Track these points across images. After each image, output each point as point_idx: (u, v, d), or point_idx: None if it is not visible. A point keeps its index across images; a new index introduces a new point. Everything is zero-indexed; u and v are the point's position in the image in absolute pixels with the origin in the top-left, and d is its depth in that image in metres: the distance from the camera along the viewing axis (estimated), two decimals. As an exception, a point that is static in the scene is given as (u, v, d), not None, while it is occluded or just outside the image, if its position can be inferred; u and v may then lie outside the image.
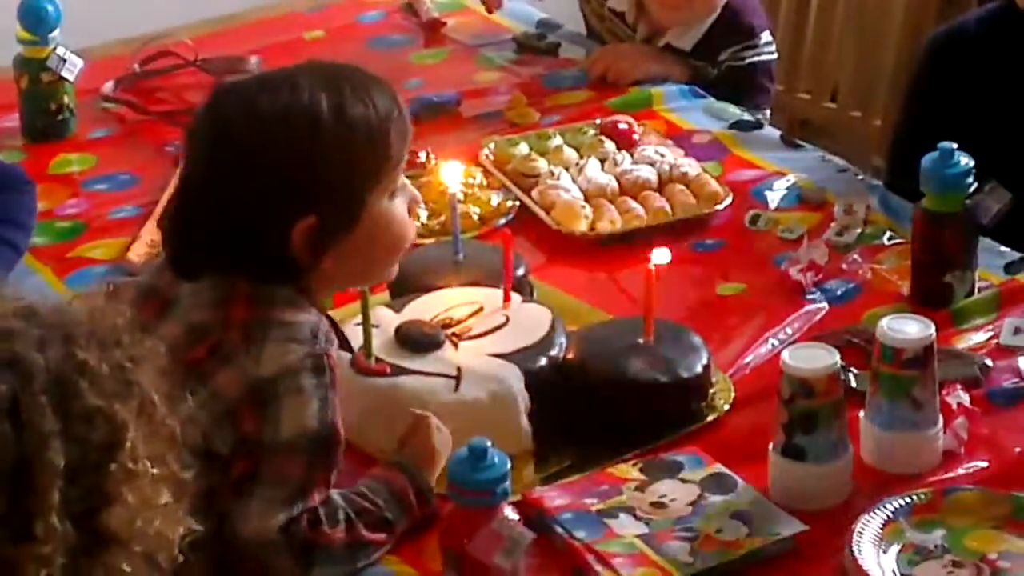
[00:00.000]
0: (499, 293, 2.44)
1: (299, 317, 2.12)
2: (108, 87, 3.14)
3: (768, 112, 3.31)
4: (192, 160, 2.20)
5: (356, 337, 2.34)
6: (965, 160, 2.53)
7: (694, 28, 3.24)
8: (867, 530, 2.13)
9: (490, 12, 3.29)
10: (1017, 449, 2.30)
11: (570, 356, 2.37)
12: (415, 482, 2.15)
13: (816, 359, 2.19)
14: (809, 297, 2.59)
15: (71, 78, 3.00)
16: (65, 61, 2.98)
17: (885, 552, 2.11)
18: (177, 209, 2.20)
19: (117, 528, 1.64)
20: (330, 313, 2.37)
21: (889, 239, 2.72)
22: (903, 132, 3.10)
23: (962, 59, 2.98)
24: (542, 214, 2.77)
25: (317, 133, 2.14)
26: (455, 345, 2.35)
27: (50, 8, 2.97)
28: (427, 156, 2.90)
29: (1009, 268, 2.65)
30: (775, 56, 3.32)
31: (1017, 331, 2.51)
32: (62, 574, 1.61)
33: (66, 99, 3.01)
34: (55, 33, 2.98)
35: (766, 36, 3.29)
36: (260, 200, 2.11)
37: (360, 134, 2.17)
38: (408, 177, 2.78)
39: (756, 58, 3.27)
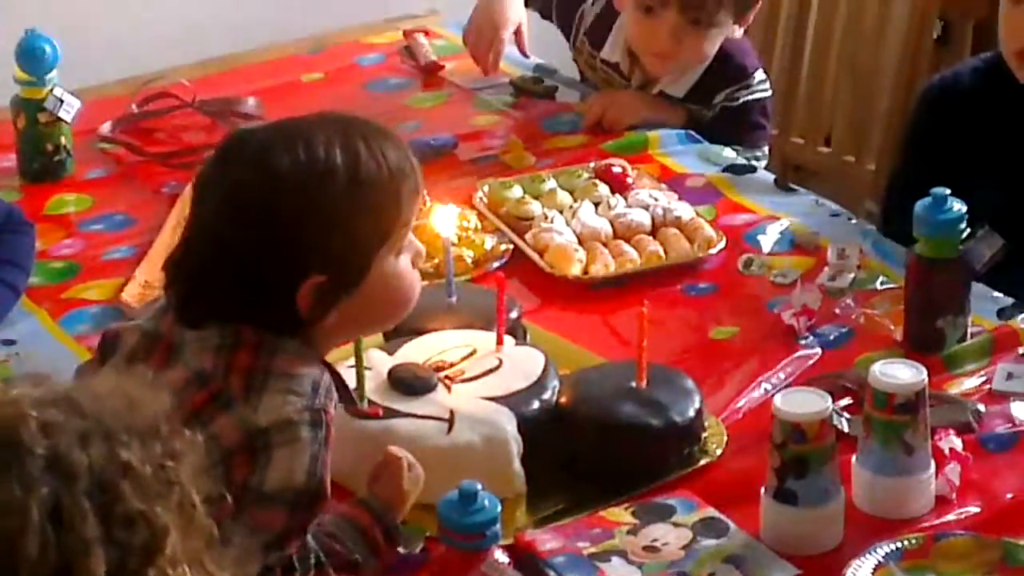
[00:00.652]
0: (492, 336, 2.44)
1: (301, 370, 2.10)
2: (106, 128, 3.13)
3: (767, 149, 3.31)
4: (202, 209, 2.17)
5: (349, 379, 2.31)
6: (958, 206, 2.53)
7: (687, 75, 3.25)
8: (858, 575, 2.12)
9: (485, 70, 3.29)
10: (1009, 495, 2.29)
11: (563, 399, 2.36)
12: (382, 522, 2.13)
13: (808, 404, 2.19)
14: (802, 342, 2.59)
15: (68, 119, 2.99)
16: (62, 102, 2.98)
17: (875, 598, 2.11)
18: (184, 256, 2.17)
19: None
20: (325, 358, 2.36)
21: (882, 284, 2.71)
22: (898, 178, 3.10)
23: (957, 109, 2.98)
24: (536, 257, 2.77)
25: (331, 193, 2.12)
26: (448, 388, 2.35)
27: (48, 49, 2.97)
28: (422, 199, 2.88)
29: (1002, 314, 2.65)
30: (770, 94, 3.32)
31: (1010, 376, 2.50)
32: None
33: (63, 140, 3.01)
34: (52, 74, 2.98)
35: (759, 75, 3.30)
36: (270, 256, 2.10)
37: (373, 194, 2.15)
38: (407, 216, 2.84)
39: (750, 96, 3.28)
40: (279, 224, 2.11)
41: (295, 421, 2.02)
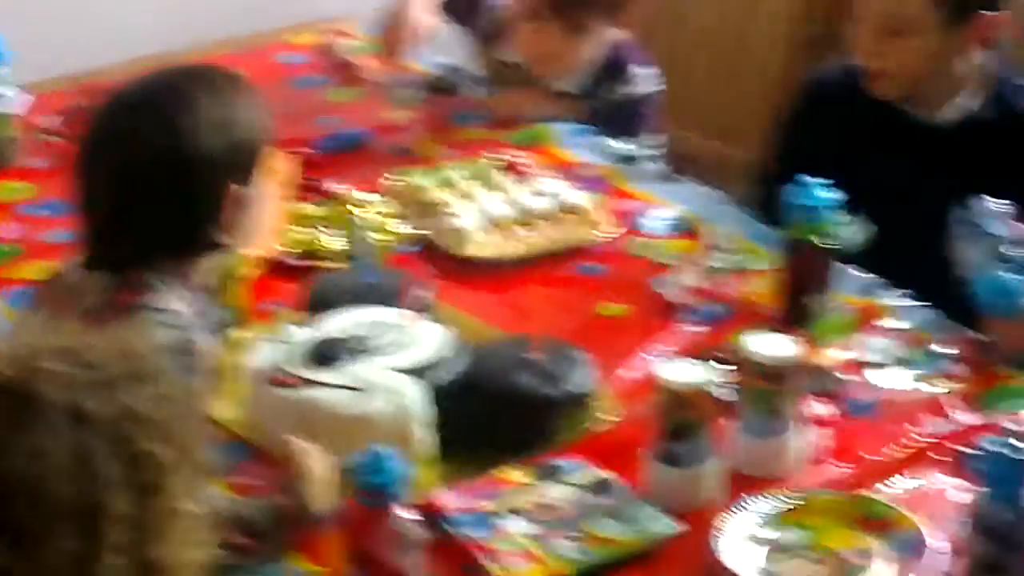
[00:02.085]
0: (402, 313, 2.43)
1: (174, 306, 2.17)
2: (48, 120, 3.11)
3: (657, 140, 3.31)
4: (106, 169, 2.28)
5: (272, 353, 2.34)
6: (824, 193, 2.55)
7: (577, 74, 3.27)
8: (732, 529, 2.13)
9: (392, 60, 3.28)
10: (870, 456, 2.31)
11: (466, 371, 2.36)
12: (295, 500, 2.12)
13: (689, 374, 2.21)
14: (684, 317, 2.59)
15: (13, 111, 2.99)
16: (8, 97, 2.98)
17: (749, 550, 2.11)
18: (94, 210, 2.28)
19: (161, 559, 1.66)
20: (243, 330, 2.48)
21: (757, 265, 2.72)
22: (769, 165, 3.10)
23: (828, 102, 3.00)
24: (442, 241, 2.78)
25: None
26: (362, 360, 2.33)
27: (-1, 50, 2.96)
28: (340, 187, 2.89)
29: (865, 292, 2.66)
30: (656, 89, 3.33)
31: (871, 349, 2.53)
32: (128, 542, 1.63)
33: (9, 131, 3.00)
34: (2, 72, 2.97)
35: (643, 72, 3.30)
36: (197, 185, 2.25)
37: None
38: (320, 206, 2.84)
39: (634, 91, 3.28)
40: (197, 155, 2.23)
41: (166, 349, 2.03)
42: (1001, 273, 2.47)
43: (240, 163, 2.30)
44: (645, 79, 3.29)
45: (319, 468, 2.14)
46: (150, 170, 2.24)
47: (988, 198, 2.56)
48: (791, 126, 3.09)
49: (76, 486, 1.59)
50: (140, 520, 1.62)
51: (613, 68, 3.27)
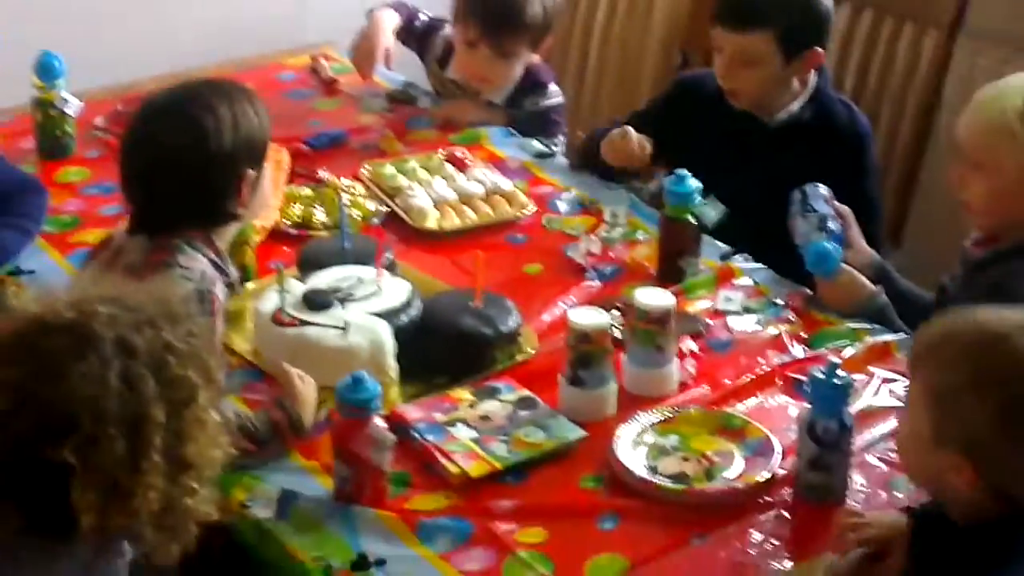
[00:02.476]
0: (374, 271, 2.43)
1: (195, 265, 2.18)
2: (99, 120, 3.08)
3: (562, 138, 3.27)
4: (144, 154, 2.28)
5: (274, 300, 2.34)
6: (693, 182, 2.55)
7: (504, 89, 3.21)
8: (624, 435, 2.17)
9: (364, 78, 3.26)
10: (727, 381, 2.34)
11: (422, 315, 2.38)
12: (288, 415, 2.13)
13: (592, 318, 2.24)
14: (587, 276, 2.61)
15: (72, 114, 2.96)
16: (67, 101, 2.95)
17: (636, 450, 2.15)
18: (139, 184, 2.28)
19: (190, 457, 1.69)
20: (252, 283, 2.50)
21: (641, 236, 2.73)
22: (618, 122, 2.99)
23: (695, 101, 2.95)
24: (403, 215, 2.77)
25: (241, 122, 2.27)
26: (343, 306, 2.35)
27: (56, 64, 2.93)
28: (325, 174, 2.89)
29: (723, 257, 2.68)
30: (562, 100, 3.29)
31: (728, 300, 2.55)
32: (160, 493, 1.66)
33: (68, 128, 2.97)
34: (60, 82, 2.93)
35: (553, 88, 3.26)
36: (220, 168, 2.24)
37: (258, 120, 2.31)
38: (310, 189, 2.84)
39: (547, 102, 3.24)
40: (221, 153, 2.23)
41: (190, 297, 2.04)
42: (823, 243, 2.50)
43: (251, 153, 2.28)
44: (554, 93, 3.25)
45: (307, 390, 2.16)
46: (178, 160, 2.22)
47: (817, 184, 2.60)
48: (661, 108, 3.03)
49: (125, 402, 1.62)
50: (174, 428, 1.65)
51: (531, 85, 3.22)
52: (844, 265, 2.50)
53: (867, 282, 2.51)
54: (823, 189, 2.60)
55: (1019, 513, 1.76)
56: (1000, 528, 1.76)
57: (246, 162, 2.27)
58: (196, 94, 2.32)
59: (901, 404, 2.19)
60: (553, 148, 3.14)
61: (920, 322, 2.43)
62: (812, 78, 2.87)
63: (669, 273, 2.57)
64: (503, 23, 3.09)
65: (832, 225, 2.56)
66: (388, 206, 2.79)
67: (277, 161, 2.87)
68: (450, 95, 3.27)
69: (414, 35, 3.33)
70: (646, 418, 2.21)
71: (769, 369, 2.36)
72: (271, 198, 2.46)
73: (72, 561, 1.69)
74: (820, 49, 2.82)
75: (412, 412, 2.21)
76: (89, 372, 1.61)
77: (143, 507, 1.65)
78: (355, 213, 2.73)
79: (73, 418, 1.61)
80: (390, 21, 3.26)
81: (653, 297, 2.29)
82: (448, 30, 3.26)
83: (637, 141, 2.81)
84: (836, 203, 2.60)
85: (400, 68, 3.37)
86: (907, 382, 2.18)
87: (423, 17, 3.33)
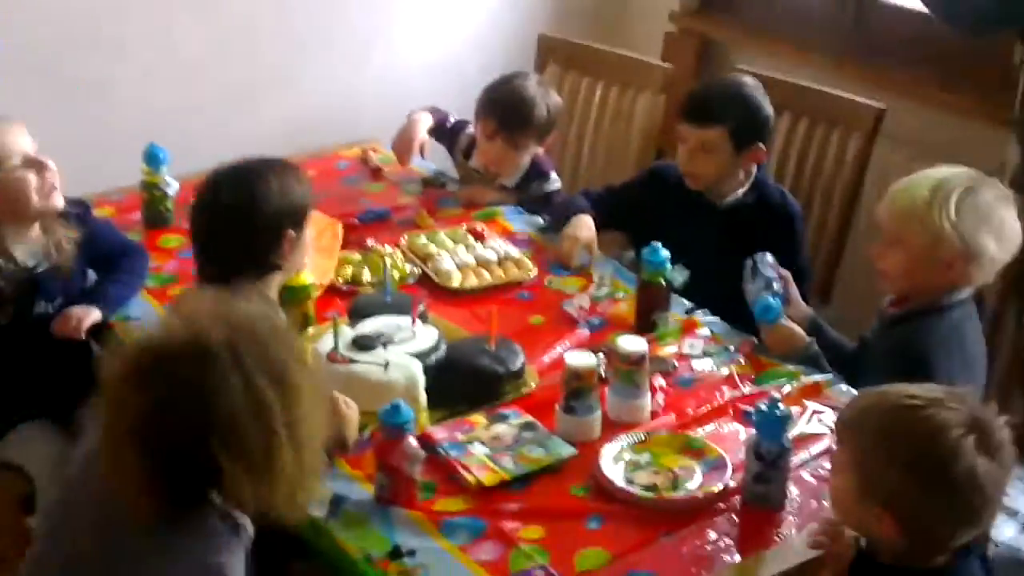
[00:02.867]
0: (409, 320, 2.43)
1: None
2: (191, 199, 3.03)
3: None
4: (213, 218, 2.29)
5: (329, 342, 2.32)
6: (665, 252, 2.55)
7: (515, 175, 3.21)
8: (607, 453, 2.16)
9: (403, 165, 3.26)
10: (689, 411, 2.33)
11: (447, 356, 2.37)
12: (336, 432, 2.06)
13: (582, 359, 2.24)
14: (579, 326, 2.60)
15: (171, 193, 2.95)
16: (168, 183, 2.94)
17: (617, 465, 2.14)
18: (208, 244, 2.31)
19: (303, 437, 1.69)
20: (312, 329, 2.45)
21: (622, 295, 2.71)
22: (616, 200, 3.01)
23: (663, 184, 2.93)
24: (433, 276, 2.75)
25: (290, 194, 2.30)
26: (385, 348, 2.34)
27: (160, 154, 2.93)
28: (372, 243, 2.89)
29: (687, 312, 2.66)
30: (560, 186, 3.28)
31: (691, 346, 2.53)
32: (291, 464, 1.66)
33: (168, 205, 2.96)
34: (163, 168, 2.93)
35: (554, 176, 3.25)
36: (267, 230, 2.26)
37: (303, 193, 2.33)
38: (359, 254, 2.82)
39: (549, 188, 3.23)
40: (268, 214, 2.24)
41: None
42: (767, 297, 2.50)
43: (292, 216, 2.29)
44: (554, 180, 3.25)
45: (351, 414, 2.12)
46: (232, 218, 2.24)
47: (766, 253, 2.59)
48: (635, 189, 3.01)
49: (246, 397, 1.62)
50: (287, 406, 1.65)
51: (536, 172, 3.22)
52: (784, 321, 2.49)
53: (803, 334, 2.50)
54: (769, 257, 2.60)
55: (943, 558, 1.77)
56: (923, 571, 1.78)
57: (288, 223, 2.28)
58: (251, 167, 2.33)
59: (829, 439, 2.22)
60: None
61: (843, 365, 2.48)
62: (754, 170, 2.86)
63: (644, 325, 2.56)
64: (515, 121, 3.10)
65: (776, 286, 2.56)
66: (421, 269, 2.79)
67: (333, 232, 2.89)
68: (472, 181, 3.26)
69: (444, 133, 3.33)
70: (625, 440, 2.20)
71: (723, 402, 2.36)
72: (309, 255, 2.43)
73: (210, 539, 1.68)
74: (763, 146, 2.83)
75: (438, 433, 2.21)
76: (215, 382, 1.60)
77: (279, 487, 1.65)
78: (395, 274, 2.73)
79: (216, 425, 1.60)
80: (425, 121, 3.27)
81: (631, 343, 2.29)
82: (471, 129, 3.25)
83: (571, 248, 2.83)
84: (780, 269, 2.60)
85: (432, 159, 3.37)
86: (833, 415, 2.24)
87: (452, 119, 3.32)
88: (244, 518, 1.72)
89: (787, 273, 2.61)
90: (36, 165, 2.43)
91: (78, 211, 2.62)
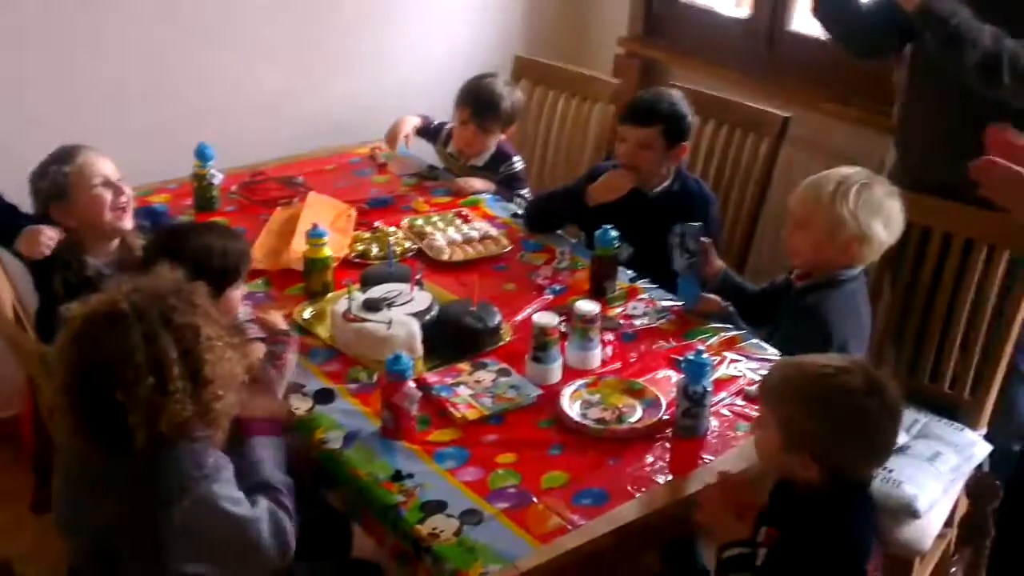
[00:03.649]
0: (408, 286, 2.42)
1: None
2: (234, 187, 3.04)
3: (526, 191, 3.22)
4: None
5: (344, 304, 2.32)
6: (613, 232, 2.55)
7: (483, 156, 3.20)
8: (566, 394, 2.16)
9: (391, 149, 3.23)
10: (632, 360, 2.33)
11: (439, 315, 2.37)
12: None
13: (548, 319, 2.23)
14: (545, 292, 2.59)
15: (216, 183, 2.93)
16: (214, 175, 2.92)
17: (574, 404, 2.14)
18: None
19: (209, 375, 1.65)
20: (332, 293, 2.41)
21: (580, 267, 2.69)
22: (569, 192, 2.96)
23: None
24: (428, 252, 2.74)
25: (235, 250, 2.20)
26: (389, 309, 2.33)
27: (207, 151, 2.90)
28: (379, 224, 2.87)
29: (631, 281, 2.65)
30: (524, 165, 3.26)
31: (634, 308, 2.52)
32: (190, 404, 1.64)
33: (214, 193, 2.93)
34: (211, 162, 2.90)
35: (516, 157, 3.24)
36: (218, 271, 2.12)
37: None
38: (368, 233, 2.80)
39: (512, 170, 3.21)
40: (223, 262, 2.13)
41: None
42: (688, 283, 2.49)
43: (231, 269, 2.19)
44: (517, 161, 3.23)
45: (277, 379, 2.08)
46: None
47: (695, 224, 2.52)
48: (584, 184, 2.90)
49: (147, 351, 1.61)
50: (189, 358, 1.64)
51: (502, 156, 3.21)
52: (704, 295, 2.49)
53: (720, 300, 2.50)
54: (697, 226, 2.54)
55: (845, 487, 1.80)
56: (832, 497, 1.80)
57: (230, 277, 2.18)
58: (202, 227, 2.32)
59: (742, 382, 2.24)
60: (521, 207, 3.08)
61: (746, 303, 2.52)
62: (676, 166, 2.85)
63: (597, 291, 2.56)
64: (485, 110, 3.13)
65: (699, 260, 2.51)
66: (418, 245, 2.77)
67: (348, 215, 2.88)
68: (449, 163, 3.27)
69: (429, 132, 3.33)
70: (580, 383, 2.20)
71: (658, 352, 2.36)
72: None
73: (135, 464, 1.66)
74: (686, 144, 2.84)
75: (432, 377, 2.21)
76: (119, 338, 1.60)
77: (180, 415, 1.63)
78: (397, 249, 2.72)
79: (115, 372, 1.60)
80: (412, 120, 3.28)
81: (586, 306, 2.29)
82: (449, 125, 3.27)
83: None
84: (703, 239, 2.54)
85: (419, 153, 3.36)
86: (746, 363, 2.27)
87: (435, 121, 3.33)
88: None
89: (708, 242, 2.58)
90: (112, 187, 2.42)
91: (153, 219, 2.61)
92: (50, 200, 2.40)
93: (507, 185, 3.17)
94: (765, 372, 2.20)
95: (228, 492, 1.73)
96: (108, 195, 2.41)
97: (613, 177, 2.80)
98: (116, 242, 2.51)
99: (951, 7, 2.35)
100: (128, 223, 2.48)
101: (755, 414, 2.13)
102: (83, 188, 2.40)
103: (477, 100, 3.14)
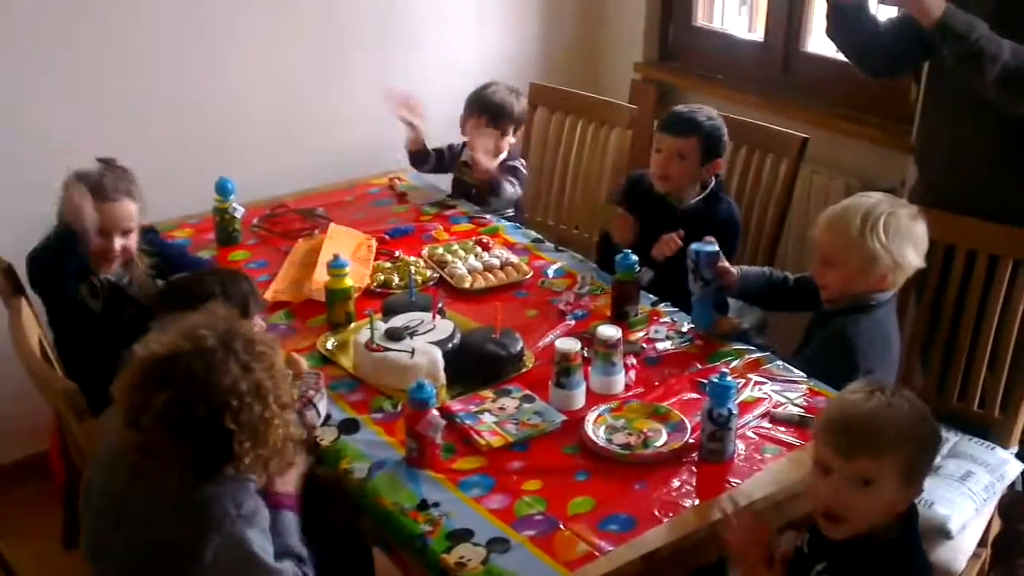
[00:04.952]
0: (430, 315, 2.43)
1: None
2: (256, 220, 3.06)
3: (520, 183, 3.22)
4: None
5: (367, 334, 2.32)
6: (634, 256, 2.55)
7: (496, 160, 3.19)
8: (590, 419, 2.15)
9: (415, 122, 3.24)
10: (656, 384, 2.32)
11: (461, 344, 2.36)
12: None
13: (570, 344, 2.22)
14: (567, 318, 2.58)
15: (238, 216, 2.94)
16: (236, 208, 2.93)
17: (599, 429, 2.13)
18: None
19: (285, 400, 1.72)
20: (355, 323, 2.41)
21: (601, 292, 2.69)
22: (602, 235, 3.03)
23: (640, 187, 2.91)
24: (449, 280, 2.74)
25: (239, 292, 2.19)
26: (411, 338, 2.34)
27: (229, 185, 2.92)
28: (399, 254, 2.88)
29: (653, 304, 2.64)
30: (526, 172, 3.27)
31: (656, 331, 2.52)
32: (283, 429, 1.71)
33: (236, 226, 2.95)
34: (232, 196, 2.93)
35: (521, 160, 3.26)
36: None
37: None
38: (389, 263, 2.81)
39: (514, 163, 3.24)
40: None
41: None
42: (702, 308, 2.48)
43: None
44: (520, 161, 3.27)
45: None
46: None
47: (710, 243, 2.48)
48: (620, 195, 2.99)
49: (247, 380, 1.65)
50: (273, 385, 1.69)
51: (510, 158, 3.24)
52: (722, 316, 2.51)
53: (735, 319, 2.52)
54: (712, 251, 2.49)
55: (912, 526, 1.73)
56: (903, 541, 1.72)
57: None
58: (200, 276, 2.31)
59: (767, 404, 2.22)
60: (510, 194, 3.14)
61: (767, 291, 2.55)
62: (712, 182, 2.85)
63: (619, 315, 2.56)
64: (499, 113, 3.19)
65: (714, 285, 2.49)
66: (439, 274, 2.78)
67: (368, 246, 2.89)
68: (463, 172, 3.28)
69: (443, 156, 3.35)
70: (604, 408, 2.20)
71: (683, 376, 2.35)
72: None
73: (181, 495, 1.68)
74: (721, 161, 2.84)
75: (455, 405, 2.20)
76: (220, 370, 1.64)
77: (279, 441, 1.68)
78: (418, 278, 2.72)
79: (223, 401, 1.62)
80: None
81: (608, 330, 2.28)
82: (458, 143, 3.32)
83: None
84: (721, 264, 2.51)
85: (437, 180, 3.38)
86: (771, 385, 2.25)
87: (446, 147, 3.36)
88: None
89: (725, 266, 2.53)
90: (107, 238, 2.44)
91: (148, 238, 2.62)
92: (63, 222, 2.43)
93: (508, 172, 3.19)
94: (793, 395, 2.22)
95: (260, 540, 1.73)
96: (99, 243, 2.42)
97: (617, 223, 2.81)
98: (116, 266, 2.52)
99: (970, 22, 2.35)
100: (111, 271, 2.48)
101: (782, 436, 2.13)
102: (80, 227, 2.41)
103: (490, 105, 3.20)
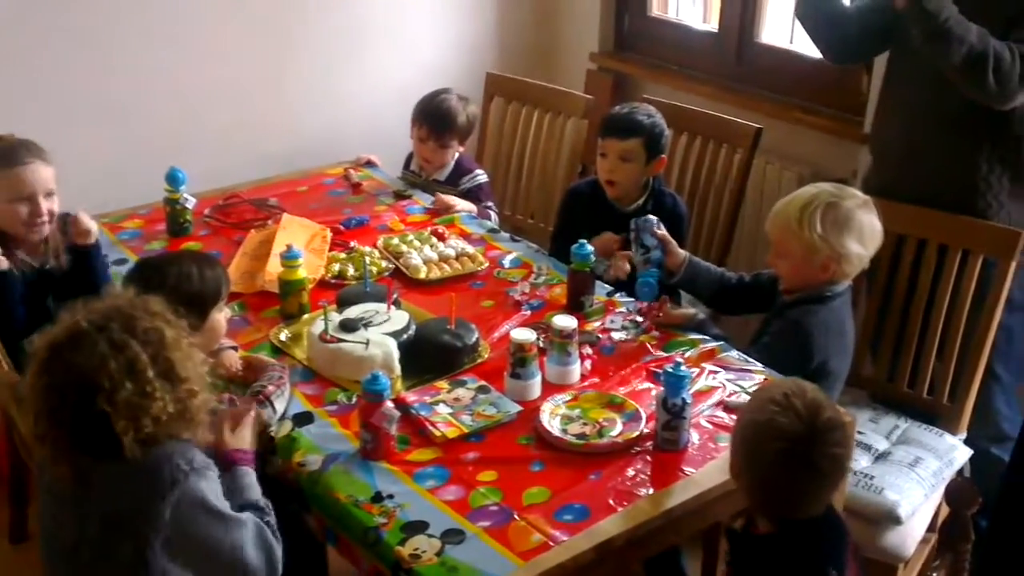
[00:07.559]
0: (385, 306, 2.41)
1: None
2: (207, 211, 3.02)
3: (493, 203, 3.23)
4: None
5: (321, 325, 2.31)
6: (590, 247, 2.54)
7: (444, 170, 3.21)
8: (546, 409, 2.15)
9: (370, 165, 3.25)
10: (611, 373, 2.32)
11: (416, 334, 2.35)
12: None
13: (525, 334, 2.22)
14: (523, 308, 2.58)
15: (189, 207, 2.91)
16: (187, 199, 2.90)
17: (554, 419, 2.13)
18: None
19: (181, 373, 1.68)
20: (308, 314, 2.38)
21: (557, 282, 2.69)
22: (556, 231, 3.03)
23: (578, 199, 2.93)
24: (404, 270, 2.73)
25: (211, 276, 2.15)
26: (366, 329, 2.32)
27: (179, 175, 2.88)
28: (354, 244, 2.85)
29: (608, 295, 2.64)
30: (486, 179, 3.26)
31: (612, 321, 2.51)
32: (170, 402, 1.66)
33: (188, 217, 2.91)
34: (183, 187, 2.88)
35: (478, 170, 3.25)
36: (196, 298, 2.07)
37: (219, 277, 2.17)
38: (344, 254, 2.78)
39: (473, 183, 3.22)
40: (202, 287, 2.10)
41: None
42: (647, 278, 2.50)
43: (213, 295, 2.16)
44: (479, 174, 3.24)
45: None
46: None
47: (649, 217, 2.55)
48: (565, 212, 3.00)
49: (118, 359, 1.64)
50: (160, 360, 1.67)
51: (462, 169, 3.23)
52: (678, 309, 2.50)
53: (692, 309, 2.52)
54: (652, 219, 2.55)
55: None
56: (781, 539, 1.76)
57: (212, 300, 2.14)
58: (176, 256, 2.32)
59: (721, 393, 2.23)
60: (495, 222, 3.11)
61: (716, 287, 2.56)
62: (651, 181, 2.86)
63: (574, 305, 2.56)
64: (441, 126, 3.15)
65: (655, 254, 2.53)
66: (394, 264, 2.76)
67: (323, 236, 2.87)
68: (411, 180, 3.27)
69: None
70: (560, 398, 2.20)
71: (638, 365, 2.35)
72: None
73: (126, 465, 1.66)
74: (664, 157, 2.85)
75: (410, 396, 2.19)
76: (87, 352, 1.62)
77: (163, 413, 1.65)
78: (373, 269, 2.71)
79: (93, 384, 1.62)
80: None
81: (564, 321, 2.28)
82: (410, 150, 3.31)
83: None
84: (660, 232, 2.55)
85: (394, 173, 3.36)
86: (725, 374, 2.26)
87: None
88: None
89: (666, 235, 2.57)
90: (31, 204, 2.43)
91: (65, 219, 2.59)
92: None
93: (474, 198, 3.18)
94: (748, 384, 2.23)
95: (215, 489, 1.73)
96: (24, 210, 2.43)
97: (601, 248, 2.76)
98: (37, 242, 2.51)
99: (941, 4, 2.37)
100: (42, 234, 2.48)
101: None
102: (1, 199, 2.43)
103: (432, 116, 3.16)
